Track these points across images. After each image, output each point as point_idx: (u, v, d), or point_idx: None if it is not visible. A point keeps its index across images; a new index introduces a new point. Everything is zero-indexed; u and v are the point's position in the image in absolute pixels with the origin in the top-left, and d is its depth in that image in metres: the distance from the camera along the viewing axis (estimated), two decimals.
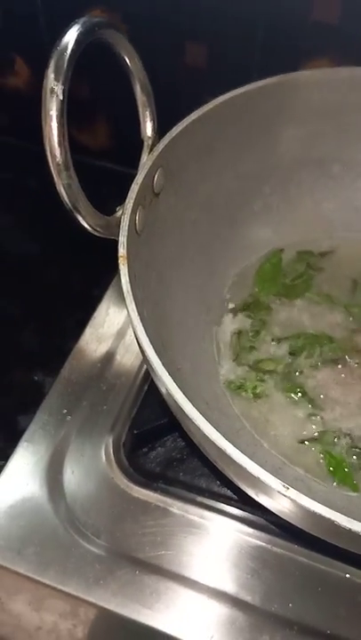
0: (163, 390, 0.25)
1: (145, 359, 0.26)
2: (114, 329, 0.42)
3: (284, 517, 0.25)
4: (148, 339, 0.25)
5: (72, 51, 0.25)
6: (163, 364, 0.25)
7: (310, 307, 0.40)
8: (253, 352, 0.38)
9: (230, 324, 0.38)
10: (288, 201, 0.42)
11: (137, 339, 0.25)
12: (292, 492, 0.22)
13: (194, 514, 0.34)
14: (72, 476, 0.35)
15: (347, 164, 0.42)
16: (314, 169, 0.42)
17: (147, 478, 0.35)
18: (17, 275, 0.49)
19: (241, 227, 0.40)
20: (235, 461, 0.22)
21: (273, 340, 0.38)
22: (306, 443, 0.34)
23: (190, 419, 0.23)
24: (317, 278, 0.41)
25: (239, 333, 0.38)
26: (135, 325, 0.26)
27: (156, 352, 0.25)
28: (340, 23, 0.42)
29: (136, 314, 0.26)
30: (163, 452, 0.37)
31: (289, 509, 0.23)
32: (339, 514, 0.21)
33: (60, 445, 0.37)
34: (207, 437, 0.23)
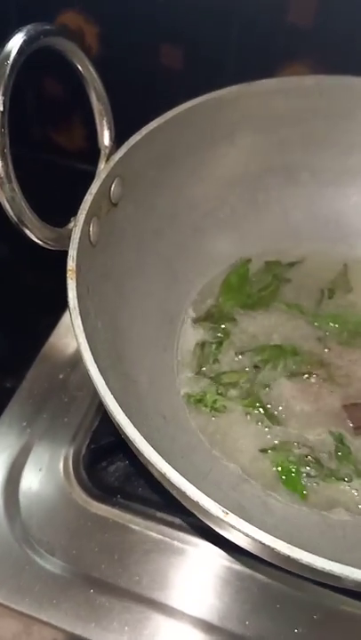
0: (107, 411, 0.24)
1: (90, 377, 0.25)
2: None
3: (233, 540, 0.25)
4: (92, 357, 0.24)
5: (14, 60, 0.24)
6: (110, 381, 0.25)
7: (276, 318, 0.39)
8: (216, 364, 0.37)
9: (193, 336, 0.38)
10: (255, 209, 0.41)
11: (81, 355, 0.25)
12: (232, 518, 0.21)
13: (153, 530, 0.33)
14: (29, 491, 0.35)
15: (315, 171, 0.41)
16: (281, 177, 0.41)
17: (105, 493, 0.35)
18: None
19: (206, 236, 0.40)
20: (175, 485, 0.22)
21: (236, 352, 0.37)
22: (264, 453, 0.33)
23: (131, 440, 0.23)
24: (284, 289, 0.40)
25: (202, 345, 0.38)
26: (80, 342, 0.25)
27: (101, 371, 0.25)
28: (315, 26, 0.41)
29: (82, 330, 0.25)
30: (122, 467, 0.36)
31: (233, 534, 0.23)
32: (279, 541, 0.21)
33: (18, 459, 0.36)
34: (148, 460, 0.22)
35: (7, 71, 0.24)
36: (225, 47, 0.45)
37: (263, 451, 0.33)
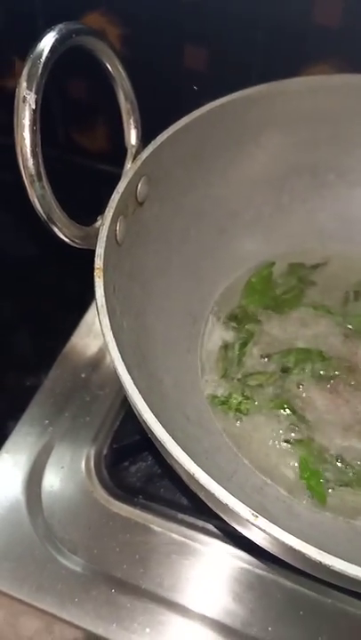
0: (134, 409, 0.24)
1: (118, 375, 0.25)
2: (100, 338, 0.42)
3: (258, 544, 0.24)
4: (120, 355, 0.24)
5: (46, 58, 0.24)
6: (136, 381, 0.24)
7: (301, 321, 0.39)
8: (241, 366, 0.37)
9: (217, 337, 0.37)
10: (280, 210, 0.41)
11: (109, 354, 0.25)
12: (262, 521, 0.21)
13: (175, 531, 0.33)
14: (51, 489, 0.35)
15: (341, 172, 0.41)
16: (307, 178, 0.41)
17: (127, 493, 0.35)
18: (12, 276, 0.49)
19: (231, 236, 0.39)
20: (203, 486, 0.21)
21: (261, 355, 0.37)
22: (289, 454, 0.32)
23: (159, 440, 0.22)
24: (309, 291, 0.40)
25: (226, 347, 0.37)
26: (108, 341, 0.25)
27: (127, 369, 0.24)
28: (340, 27, 0.41)
29: (109, 329, 0.25)
30: (144, 467, 0.36)
31: (262, 537, 0.22)
32: (310, 546, 0.20)
33: (40, 457, 0.36)
34: (176, 460, 0.22)
35: (40, 69, 0.24)
36: (250, 49, 0.44)
37: (287, 447, 0.33)
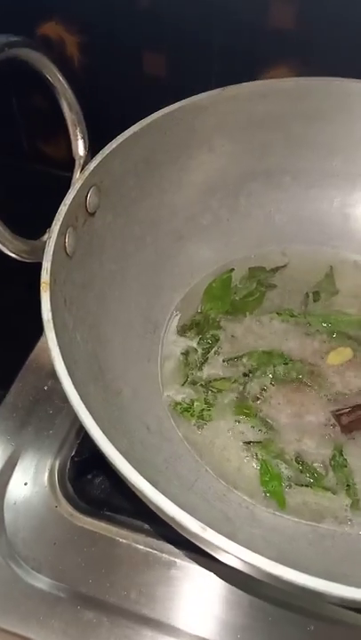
0: (81, 420, 0.23)
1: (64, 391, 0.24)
2: None
3: (215, 557, 0.24)
4: (66, 370, 0.24)
5: None
6: (85, 393, 0.24)
7: (263, 324, 0.39)
8: (202, 372, 0.36)
9: (177, 345, 0.37)
10: (238, 214, 0.41)
11: (55, 369, 0.24)
12: (210, 534, 0.20)
13: (141, 543, 0.33)
14: (14, 506, 0.34)
15: (296, 174, 0.41)
16: (263, 181, 0.41)
17: (92, 506, 0.34)
18: None
19: (188, 243, 0.39)
20: (149, 499, 0.21)
21: (224, 360, 0.37)
22: (249, 458, 0.32)
23: (104, 453, 0.22)
24: (269, 295, 0.40)
25: (187, 353, 0.37)
26: (53, 356, 0.24)
27: (78, 384, 0.24)
28: (296, 30, 0.41)
29: (55, 343, 0.25)
30: (109, 479, 0.35)
31: (214, 550, 0.22)
32: (260, 557, 0.20)
33: (3, 473, 0.35)
34: (121, 473, 0.22)
35: None
36: (208, 53, 0.45)
37: (249, 451, 0.33)
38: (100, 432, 0.23)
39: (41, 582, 0.32)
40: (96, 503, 0.34)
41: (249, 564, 0.20)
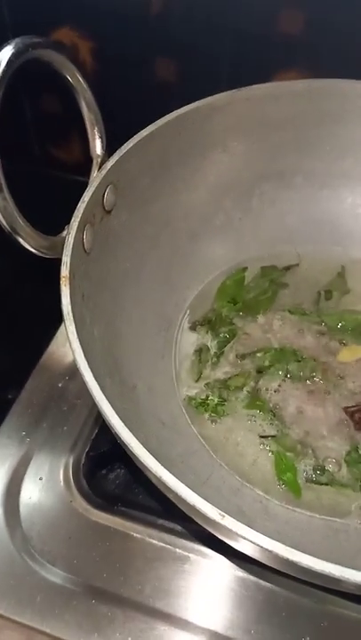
0: (103, 416, 0.24)
1: (85, 383, 0.25)
2: None
3: (233, 545, 0.24)
4: (86, 363, 0.24)
5: (3, 71, 0.24)
6: (105, 387, 0.25)
7: (275, 322, 0.39)
8: (216, 369, 0.37)
9: (191, 341, 0.38)
10: (250, 214, 0.41)
11: (75, 360, 0.25)
12: (229, 521, 0.21)
13: (155, 538, 0.33)
14: (29, 501, 0.34)
15: (308, 175, 0.41)
16: (276, 181, 0.41)
17: (106, 501, 0.34)
18: None
19: (202, 241, 0.40)
20: (171, 489, 0.21)
21: (237, 356, 0.37)
22: (264, 452, 0.33)
23: (127, 445, 0.22)
24: (281, 293, 0.40)
25: (201, 350, 0.37)
26: (74, 349, 0.25)
27: (97, 377, 0.25)
28: (305, 35, 0.42)
29: (76, 336, 0.25)
30: (122, 474, 0.36)
31: (232, 538, 0.23)
32: (278, 543, 0.20)
33: (18, 469, 0.36)
34: (144, 465, 0.22)
35: None
36: (217, 58, 0.45)
37: (262, 446, 0.33)
38: (119, 420, 0.23)
39: (56, 576, 0.32)
40: (110, 498, 0.35)
41: (267, 550, 0.21)
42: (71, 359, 0.41)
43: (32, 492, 0.35)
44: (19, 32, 0.49)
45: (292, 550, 0.20)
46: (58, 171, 0.59)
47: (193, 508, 0.21)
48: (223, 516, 0.21)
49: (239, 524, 0.20)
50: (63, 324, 0.42)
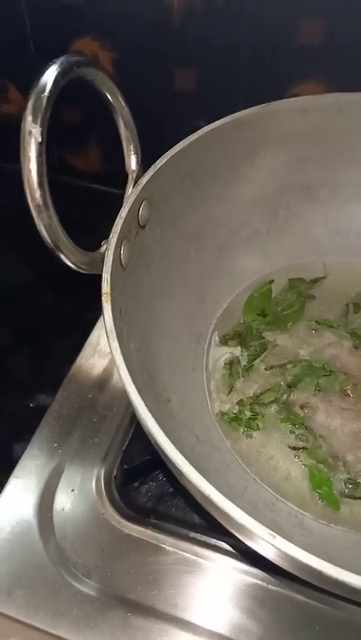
0: (147, 432, 0.24)
1: (129, 398, 0.25)
2: (105, 358, 0.42)
3: (274, 561, 0.25)
4: (130, 378, 0.25)
5: (50, 92, 0.25)
6: (146, 402, 0.25)
7: (303, 335, 0.39)
8: (247, 382, 0.37)
9: (221, 355, 0.38)
10: (277, 227, 0.42)
11: (120, 377, 0.25)
12: (279, 541, 0.21)
13: (187, 551, 0.33)
14: (62, 512, 0.35)
15: (334, 188, 0.42)
16: (301, 195, 0.42)
17: (139, 513, 0.35)
18: (9, 299, 0.49)
19: (230, 255, 0.40)
20: (218, 507, 0.22)
21: (266, 369, 0.38)
22: (297, 466, 0.33)
23: (173, 462, 0.23)
24: (309, 306, 0.40)
25: (231, 363, 0.38)
26: (118, 364, 0.25)
27: (138, 391, 0.25)
28: (325, 46, 0.42)
29: (119, 352, 0.25)
30: (155, 487, 0.36)
31: (276, 555, 0.23)
32: (328, 564, 0.21)
33: (51, 480, 0.36)
34: (190, 482, 0.22)
35: (44, 103, 0.24)
36: (237, 69, 0.46)
37: (296, 460, 0.33)
38: (166, 438, 0.23)
39: (91, 588, 0.32)
40: (143, 511, 0.35)
41: (315, 570, 0.21)
42: (100, 370, 0.42)
43: (65, 504, 0.35)
44: (39, 39, 0.50)
45: (342, 570, 0.21)
46: (74, 179, 0.59)
47: (242, 527, 0.21)
48: (274, 537, 0.21)
49: (291, 545, 0.21)
50: (92, 336, 0.43)
